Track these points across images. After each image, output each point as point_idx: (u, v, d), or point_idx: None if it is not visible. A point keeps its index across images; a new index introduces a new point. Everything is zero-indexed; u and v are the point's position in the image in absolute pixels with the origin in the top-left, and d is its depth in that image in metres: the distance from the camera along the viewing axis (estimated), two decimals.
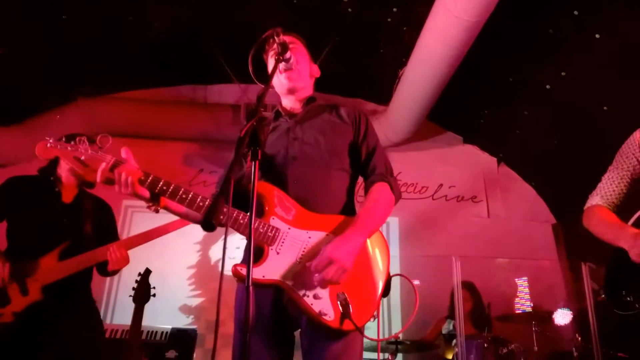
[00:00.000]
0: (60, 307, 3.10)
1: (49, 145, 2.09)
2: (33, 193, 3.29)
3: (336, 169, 2.28)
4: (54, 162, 3.36)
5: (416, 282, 6.45)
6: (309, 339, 2.06)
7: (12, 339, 2.96)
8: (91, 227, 3.39)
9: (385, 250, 2.18)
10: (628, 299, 2.32)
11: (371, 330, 2.45)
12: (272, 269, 2.00)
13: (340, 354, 2.01)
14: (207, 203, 2.02)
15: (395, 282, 6.32)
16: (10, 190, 3.28)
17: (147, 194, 2.05)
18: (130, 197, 2.05)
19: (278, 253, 2.03)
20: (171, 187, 2.01)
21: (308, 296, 1.98)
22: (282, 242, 2.05)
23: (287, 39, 2.34)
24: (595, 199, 2.60)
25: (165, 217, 2.82)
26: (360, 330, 1.99)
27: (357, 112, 2.44)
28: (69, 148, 2.07)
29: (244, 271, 1.95)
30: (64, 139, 2.15)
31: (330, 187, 2.25)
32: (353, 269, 2.01)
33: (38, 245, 3.13)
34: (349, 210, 2.25)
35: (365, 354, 4.34)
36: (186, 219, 2.26)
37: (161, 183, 2.01)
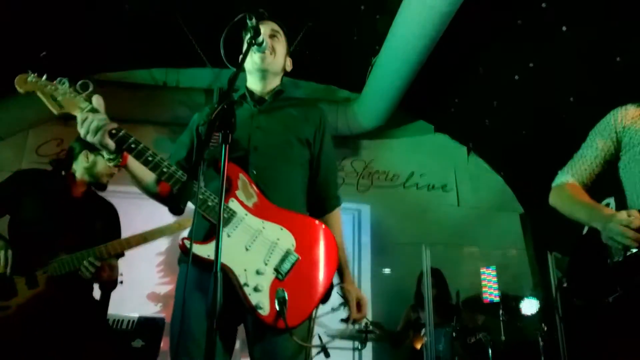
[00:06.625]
0: (66, 300, 3.02)
1: (29, 79, 2.01)
2: (41, 185, 3.19)
3: (296, 163, 2.28)
4: (71, 156, 3.31)
5: (387, 270, 6.51)
6: (253, 328, 2.02)
7: (17, 332, 2.85)
8: (100, 223, 3.32)
9: (333, 257, 2.14)
10: (591, 286, 2.24)
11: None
12: None
13: (278, 348, 1.97)
14: (171, 170, 1.96)
15: (366, 270, 6.43)
16: (16, 183, 3.17)
17: (112, 146, 1.95)
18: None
19: (229, 236, 1.98)
20: (140, 146, 1.95)
21: (248, 286, 1.93)
22: (236, 227, 2.01)
23: (273, 27, 2.36)
24: (567, 177, 2.48)
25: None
26: (290, 332, 1.91)
27: (322, 119, 2.43)
28: (49, 86, 2.00)
29: (189, 245, 1.95)
30: (45, 77, 2.05)
31: (289, 181, 2.23)
32: (300, 267, 2.03)
33: (44, 237, 3.03)
34: (303, 206, 2.28)
35: (334, 342, 4.40)
36: (139, 185, 2.19)
37: (131, 140, 1.95)
